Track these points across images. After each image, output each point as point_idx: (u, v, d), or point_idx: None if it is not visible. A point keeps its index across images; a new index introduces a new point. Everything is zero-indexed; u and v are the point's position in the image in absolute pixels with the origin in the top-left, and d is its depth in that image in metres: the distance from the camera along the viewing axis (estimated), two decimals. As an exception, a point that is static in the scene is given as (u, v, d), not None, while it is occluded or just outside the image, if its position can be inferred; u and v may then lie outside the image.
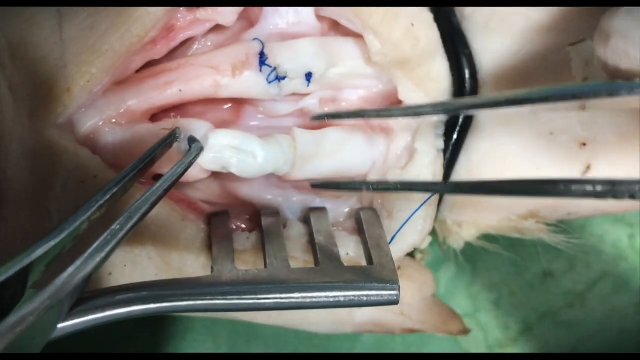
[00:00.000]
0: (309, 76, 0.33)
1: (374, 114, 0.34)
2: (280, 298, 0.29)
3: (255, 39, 0.33)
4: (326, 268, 0.30)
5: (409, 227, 0.34)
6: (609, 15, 0.27)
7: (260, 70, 0.33)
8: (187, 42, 0.34)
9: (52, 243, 0.25)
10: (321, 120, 0.34)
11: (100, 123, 0.32)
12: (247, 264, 0.32)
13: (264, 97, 0.33)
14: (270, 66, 0.33)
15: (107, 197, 0.27)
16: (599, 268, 0.45)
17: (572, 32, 0.33)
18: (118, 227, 0.26)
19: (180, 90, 0.32)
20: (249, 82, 0.33)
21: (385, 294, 0.29)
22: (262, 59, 0.33)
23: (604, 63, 0.27)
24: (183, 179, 0.32)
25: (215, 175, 0.34)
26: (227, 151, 0.32)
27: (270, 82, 0.33)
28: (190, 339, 0.44)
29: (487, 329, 0.45)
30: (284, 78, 0.33)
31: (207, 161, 0.32)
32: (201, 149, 0.31)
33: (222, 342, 0.44)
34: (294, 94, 0.34)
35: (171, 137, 0.31)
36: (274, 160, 0.33)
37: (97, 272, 0.26)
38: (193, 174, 0.32)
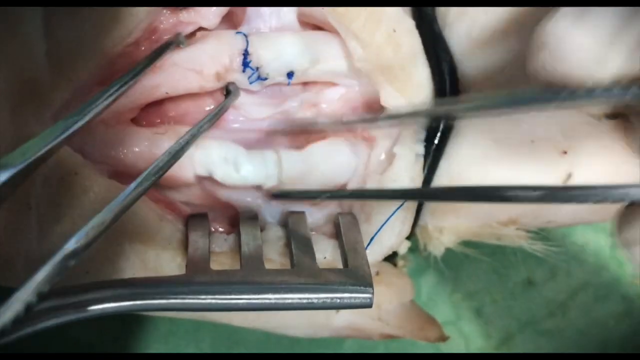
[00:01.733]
0: (290, 75, 0.34)
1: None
2: (253, 299, 0.29)
3: (238, 32, 0.34)
4: (301, 270, 0.30)
5: (386, 230, 0.34)
6: (543, 24, 0.26)
7: (243, 71, 0.33)
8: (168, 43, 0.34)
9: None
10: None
11: (84, 121, 0.32)
12: (223, 265, 0.32)
13: (246, 88, 0.34)
14: (253, 69, 0.33)
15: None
16: (580, 277, 0.45)
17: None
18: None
19: (167, 92, 0.33)
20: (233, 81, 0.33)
21: (359, 296, 0.29)
22: (246, 60, 0.33)
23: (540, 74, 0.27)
24: (169, 183, 0.32)
25: (197, 178, 0.34)
26: (214, 158, 0.33)
27: (251, 83, 0.33)
28: (172, 343, 0.44)
29: (469, 337, 0.45)
30: (265, 79, 0.33)
31: (196, 166, 0.33)
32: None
33: (205, 347, 0.44)
34: (276, 93, 0.35)
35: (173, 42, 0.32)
36: (256, 174, 0.33)
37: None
38: (183, 176, 0.32)
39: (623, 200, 0.24)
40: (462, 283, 0.45)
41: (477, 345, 0.45)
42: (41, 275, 0.24)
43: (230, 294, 0.28)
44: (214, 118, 0.32)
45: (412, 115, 0.32)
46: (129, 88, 0.30)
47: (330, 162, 0.35)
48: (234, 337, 0.44)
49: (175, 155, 0.29)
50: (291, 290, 0.29)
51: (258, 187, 0.35)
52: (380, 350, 0.45)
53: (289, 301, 0.29)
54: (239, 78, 0.33)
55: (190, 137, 0.30)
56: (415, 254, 0.41)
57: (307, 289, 0.29)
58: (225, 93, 0.34)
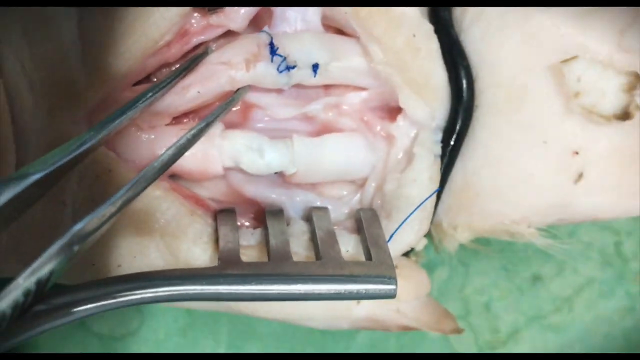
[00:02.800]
0: (315, 67, 0.35)
1: None
2: (284, 289, 0.30)
3: (262, 31, 0.35)
4: (327, 262, 0.32)
5: (406, 228, 0.36)
6: None
7: (272, 61, 0.34)
8: (199, 46, 0.35)
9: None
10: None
11: (120, 124, 0.34)
12: (251, 258, 0.34)
13: (273, 87, 0.35)
14: (280, 56, 0.34)
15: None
16: (586, 274, 0.47)
17: (565, 46, 0.35)
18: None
19: (199, 92, 0.34)
20: (262, 72, 0.34)
21: (384, 287, 0.31)
22: (273, 48, 0.34)
23: None
24: (198, 177, 0.34)
25: (224, 169, 0.36)
26: (239, 147, 0.34)
27: (280, 72, 0.34)
28: (191, 336, 0.46)
29: (478, 331, 0.47)
30: (293, 67, 0.34)
31: (224, 157, 0.34)
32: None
33: (222, 339, 0.46)
34: (301, 94, 0.36)
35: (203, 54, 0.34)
36: (280, 159, 0.35)
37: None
38: (212, 169, 0.34)
39: None
40: (471, 278, 0.47)
41: (485, 339, 0.47)
42: (42, 262, 0.26)
43: (261, 284, 0.30)
44: (225, 110, 0.33)
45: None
46: (161, 96, 0.32)
47: (344, 154, 0.36)
48: (251, 330, 0.46)
49: (185, 146, 0.31)
50: (319, 281, 0.31)
51: (282, 178, 0.37)
52: (392, 343, 0.46)
53: (318, 292, 0.30)
54: (268, 68, 0.34)
55: (199, 131, 0.31)
56: (427, 250, 0.42)
57: (335, 280, 0.31)
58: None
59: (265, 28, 0.35)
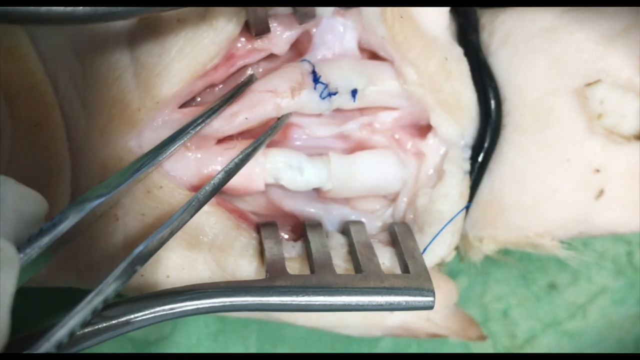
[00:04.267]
0: (354, 92, 0.37)
1: None
2: (329, 300, 0.32)
3: (303, 59, 0.37)
4: (368, 275, 0.34)
5: (438, 241, 0.38)
6: None
7: (315, 88, 0.36)
8: (243, 68, 0.37)
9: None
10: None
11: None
12: (294, 270, 0.35)
13: (316, 112, 0.37)
14: (323, 83, 0.36)
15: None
16: (599, 282, 0.49)
17: (588, 70, 0.37)
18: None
19: (246, 118, 0.36)
20: (306, 100, 0.36)
21: (422, 299, 0.33)
22: (316, 76, 0.36)
23: None
24: (241, 193, 0.36)
25: (266, 186, 0.38)
26: (280, 165, 0.36)
27: (323, 98, 0.36)
28: (222, 341, 0.48)
29: (496, 337, 0.49)
30: (335, 93, 0.36)
31: (266, 174, 0.37)
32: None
33: (252, 344, 0.48)
34: (337, 115, 0.38)
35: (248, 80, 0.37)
36: (318, 176, 0.37)
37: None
38: (255, 186, 0.36)
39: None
40: (490, 286, 0.49)
41: (503, 344, 0.49)
42: (108, 282, 0.28)
43: (308, 295, 0.32)
44: (270, 136, 0.36)
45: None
46: (210, 121, 0.34)
47: (376, 170, 0.38)
48: (279, 334, 0.48)
49: (233, 170, 0.34)
50: (362, 293, 0.33)
51: (319, 193, 0.39)
52: (414, 347, 0.48)
53: (360, 303, 0.33)
54: (312, 96, 0.36)
55: (246, 156, 0.34)
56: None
57: (376, 292, 0.33)
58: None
59: (307, 56, 0.37)
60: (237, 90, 0.35)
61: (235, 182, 0.36)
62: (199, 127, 0.34)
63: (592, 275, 0.49)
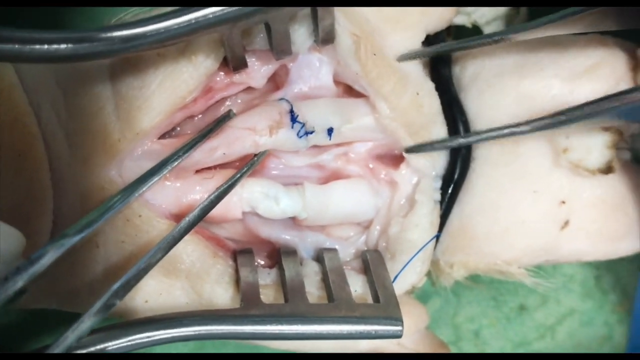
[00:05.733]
0: (330, 131, 0.38)
1: None
2: (301, 329, 0.34)
3: (281, 98, 0.38)
4: (339, 304, 0.35)
5: (409, 269, 0.39)
6: None
7: (292, 127, 0.37)
8: (221, 100, 0.38)
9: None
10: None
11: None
12: (268, 297, 0.37)
13: (293, 149, 0.38)
14: (300, 122, 0.37)
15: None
16: (568, 304, 0.51)
17: (555, 106, 0.39)
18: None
19: (224, 154, 0.37)
20: (283, 138, 0.38)
21: (391, 329, 0.34)
22: (293, 116, 0.37)
23: None
24: (218, 220, 0.37)
25: (243, 214, 0.39)
26: (257, 195, 0.38)
27: (300, 137, 0.38)
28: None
29: (468, 356, 0.50)
30: (311, 132, 0.38)
31: (243, 203, 0.38)
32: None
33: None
34: (314, 147, 0.39)
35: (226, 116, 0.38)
36: (293, 206, 0.38)
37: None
38: (232, 214, 0.37)
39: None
40: (462, 308, 0.50)
41: (474, 364, 0.50)
42: (85, 318, 0.30)
43: (281, 324, 0.33)
44: (247, 172, 0.37)
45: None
46: (188, 155, 0.35)
47: (350, 199, 0.39)
48: (256, 350, 0.49)
49: (207, 208, 0.35)
50: (334, 322, 0.34)
51: (294, 221, 0.40)
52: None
53: (332, 332, 0.34)
54: (289, 134, 0.37)
55: (223, 192, 0.36)
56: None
57: (347, 321, 0.34)
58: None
59: (284, 90, 0.38)
60: (215, 125, 0.36)
61: (213, 210, 0.37)
62: (178, 161, 0.35)
63: (561, 297, 0.50)
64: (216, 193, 0.35)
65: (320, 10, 0.34)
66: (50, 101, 0.36)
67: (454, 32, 0.42)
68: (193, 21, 0.31)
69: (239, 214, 0.38)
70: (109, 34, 0.30)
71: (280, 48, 0.35)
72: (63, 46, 0.29)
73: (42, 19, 0.46)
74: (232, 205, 0.38)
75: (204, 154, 0.37)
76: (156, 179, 0.34)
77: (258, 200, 0.38)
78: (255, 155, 0.37)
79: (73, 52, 0.30)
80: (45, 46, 0.29)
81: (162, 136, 0.37)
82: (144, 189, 0.34)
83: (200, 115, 0.38)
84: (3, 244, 0.29)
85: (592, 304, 0.51)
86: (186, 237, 0.36)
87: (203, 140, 0.36)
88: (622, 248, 0.41)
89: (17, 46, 0.29)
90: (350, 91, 0.40)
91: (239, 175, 0.36)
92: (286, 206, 0.38)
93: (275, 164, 0.39)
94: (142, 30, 0.30)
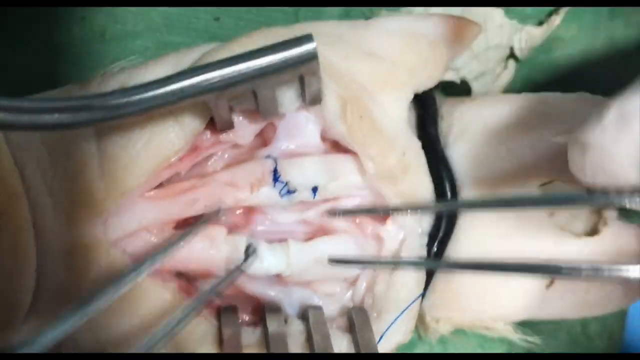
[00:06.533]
0: (315, 189, 0.38)
1: (382, 210, 0.39)
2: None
3: (268, 156, 0.38)
4: (322, 367, 0.35)
5: (394, 328, 0.39)
6: (585, 129, 0.29)
7: (274, 186, 0.38)
8: (206, 157, 0.38)
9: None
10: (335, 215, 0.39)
11: (132, 230, 0.36)
12: (253, 358, 0.37)
13: (274, 207, 0.38)
14: (282, 182, 0.38)
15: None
16: (555, 351, 0.50)
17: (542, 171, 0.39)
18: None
19: (206, 206, 0.37)
20: (265, 196, 0.38)
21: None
22: (276, 175, 0.38)
23: (578, 176, 0.30)
24: (202, 276, 0.37)
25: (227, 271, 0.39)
26: (242, 254, 0.38)
27: (282, 196, 0.38)
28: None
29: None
30: (294, 192, 0.38)
31: (225, 259, 0.38)
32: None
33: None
34: (300, 202, 0.39)
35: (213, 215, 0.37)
36: (277, 263, 0.38)
37: None
38: (215, 271, 0.38)
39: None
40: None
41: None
42: None
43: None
44: (230, 277, 0.37)
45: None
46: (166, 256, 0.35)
47: (335, 255, 0.39)
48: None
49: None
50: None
51: (279, 278, 0.40)
52: None
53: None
54: (271, 192, 0.37)
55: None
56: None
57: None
58: (245, 254, 0.38)
59: (271, 147, 0.38)
60: (200, 224, 0.36)
61: (196, 266, 0.37)
62: (154, 265, 0.34)
63: (548, 344, 0.50)
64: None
65: (307, 76, 0.33)
66: (35, 159, 0.36)
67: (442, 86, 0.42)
68: (179, 91, 0.31)
69: (222, 271, 0.38)
70: (93, 102, 0.30)
71: (267, 110, 0.35)
72: (47, 116, 0.29)
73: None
74: (216, 261, 0.38)
75: (185, 205, 0.37)
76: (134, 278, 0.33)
77: (242, 258, 0.38)
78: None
79: (58, 122, 0.30)
80: (29, 115, 0.29)
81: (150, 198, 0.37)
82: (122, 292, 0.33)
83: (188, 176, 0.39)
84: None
85: (579, 350, 0.51)
86: (169, 298, 0.36)
87: (183, 239, 0.36)
88: (610, 307, 0.41)
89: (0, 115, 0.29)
90: (338, 146, 0.40)
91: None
92: (270, 264, 0.38)
93: (261, 219, 0.39)
94: (127, 101, 0.31)
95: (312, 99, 0.36)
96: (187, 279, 0.39)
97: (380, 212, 0.40)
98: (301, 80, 0.34)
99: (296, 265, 0.39)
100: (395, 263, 0.39)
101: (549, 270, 0.31)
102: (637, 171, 0.28)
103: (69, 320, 0.28)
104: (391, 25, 0.39)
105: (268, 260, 0.38)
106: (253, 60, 0.31)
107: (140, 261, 0.36)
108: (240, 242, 0.38)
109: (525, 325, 0.43)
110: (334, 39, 0.38)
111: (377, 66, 0.38)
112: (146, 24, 0.47)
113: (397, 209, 0.39)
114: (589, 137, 0.29)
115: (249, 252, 0.37)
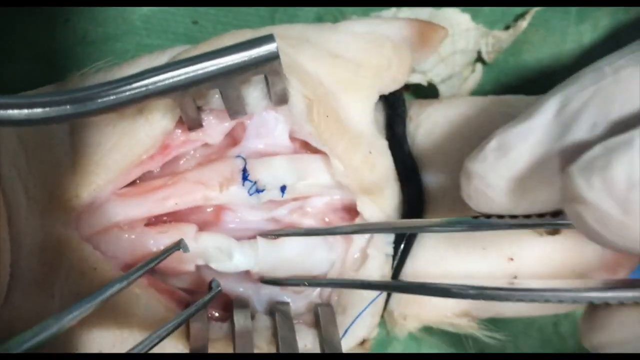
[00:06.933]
0: (283, 188, 0.39)
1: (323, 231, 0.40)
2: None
3: (237, 156, 0.39)
4: (286, 360, 0.36)
5: (359, 323, 0.40)
6: (470, 157, 0.32)
7: (243, 185, 0.39)
8: (178, 156, 0.39)
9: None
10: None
11: (104, 226, 0.38)
12: (219, 351, 0.37)
13: (245, 205, 0.40)
14: (251, 181, 0.39)
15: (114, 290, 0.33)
16: (526, 350, 0.51)
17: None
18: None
19: (176, 204, 0.38)
20: (233, 194, 0.39)
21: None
22: (245, 175, 0.39)
23: (467, 202, 0.33)
24: (172, 272, 0.38)
25: (196, 267, 0.40)
26: (210, 250, 0.39)
27: (250, 195, 0.39)
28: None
29: (428, 401, 0.51)
30: (262, 191, 0.39)
31: (197, 257, 0.39)
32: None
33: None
34: (270, 201, 0.40)
35: (175, 247, 0.38)
36: (246, 261, 0.39)
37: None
38: (185, 268, 0.39)
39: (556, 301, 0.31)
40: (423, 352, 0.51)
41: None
42: None
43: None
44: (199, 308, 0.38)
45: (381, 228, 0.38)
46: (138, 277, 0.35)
47: (304, 253, 0.41)
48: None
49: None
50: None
51: (248, 274, 0.41)
52: None
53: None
54: (240, 191, 0.39)
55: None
56: (381, 326, 0.46)
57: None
58: (208, 287, 0.39)
59: (241, 146, 0.39)
60: (167, 253, 0.37)
61: (166, 263, 0.38)
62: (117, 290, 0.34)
63: (520, 343, 0.51)
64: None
65: (271, 76, 0.34)
66: (11, 155, 0.37)
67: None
68: (144, 89, 0.32)
69: (192, 267, 0.39)
70: (61, 98, 0.31)
71: (234, 109, 0.36)
72: (16, 112, 0.30)
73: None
74: (185, 258, 0.39)
75: (156, 202, 0.38)
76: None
77: (211, 255, 0.39)
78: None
79: (27, 118, 0.31)
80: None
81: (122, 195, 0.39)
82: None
83: (158, 169, 0.40)
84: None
85: (550, 350, 0.51)
86: (139, 292, 0.37)
87: (152, 265, 0.36)
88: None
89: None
90: (307, 146, 0.41)
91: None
92: (238, 261, 0.39)
93: (231, 217, 0.40)
94: (95, 97, 0.31)
95: (278, 99, 0.37)
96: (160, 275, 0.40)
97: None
98: (266, 80, 0.35)
99: (265, 263, 0.40)
100: (335, 284, 0.40)
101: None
102: (510, 199, 0.31)
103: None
104: (357, 28, 0.40)
105: (237, 258, 0.39)
106: (215, 59, 0.32)
107: (111, 260, 0.38)
108: (209, 241, 0.39)
109: (496, 324, 0.44)
110: (301, 41, 0.39)
111: (342, 68, 0.39)
112: (127, 27, 0.48)
113: (357, 231, 0.40)
114: (472, 166, 0.32)
115: (213, 286, 0.39)
